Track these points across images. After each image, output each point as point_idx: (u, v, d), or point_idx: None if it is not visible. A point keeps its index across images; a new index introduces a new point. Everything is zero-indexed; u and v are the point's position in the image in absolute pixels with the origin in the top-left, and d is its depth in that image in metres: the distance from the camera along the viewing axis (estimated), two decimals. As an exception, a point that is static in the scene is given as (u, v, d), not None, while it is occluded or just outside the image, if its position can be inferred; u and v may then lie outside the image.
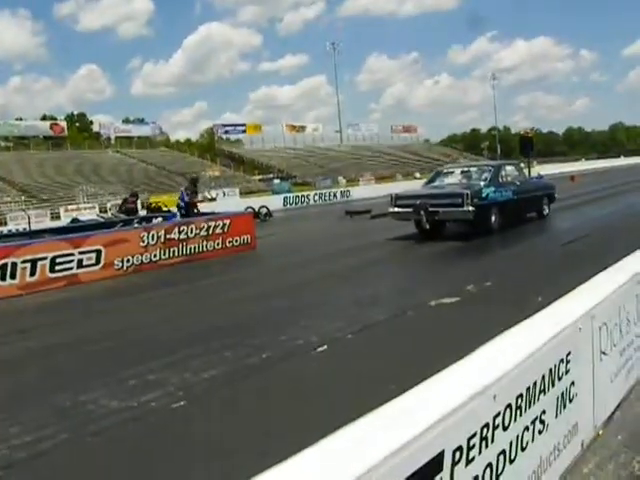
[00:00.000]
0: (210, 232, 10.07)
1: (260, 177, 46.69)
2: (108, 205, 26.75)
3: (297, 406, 3.27)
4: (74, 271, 8.25)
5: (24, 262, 7.77)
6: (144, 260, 9.08)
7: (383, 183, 37.03)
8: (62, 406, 3.57)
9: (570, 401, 2.32)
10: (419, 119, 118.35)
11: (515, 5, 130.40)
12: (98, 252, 8.52)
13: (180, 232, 9.63)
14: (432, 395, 1.71)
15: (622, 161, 57.34)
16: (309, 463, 1.35)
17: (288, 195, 29.52)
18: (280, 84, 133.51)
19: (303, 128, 63.31)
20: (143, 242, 9.12)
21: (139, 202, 14.57)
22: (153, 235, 9.26)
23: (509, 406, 1.86)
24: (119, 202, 16.56)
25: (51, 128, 49.22)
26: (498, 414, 1.80)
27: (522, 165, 15.21)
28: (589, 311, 2.56)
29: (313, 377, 3.82)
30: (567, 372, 2.28)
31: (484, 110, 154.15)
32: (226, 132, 59.22)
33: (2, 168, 38.57)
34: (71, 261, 8.24)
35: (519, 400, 1.92)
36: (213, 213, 11.48)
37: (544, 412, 2.10)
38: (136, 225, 10.51)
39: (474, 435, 1.67)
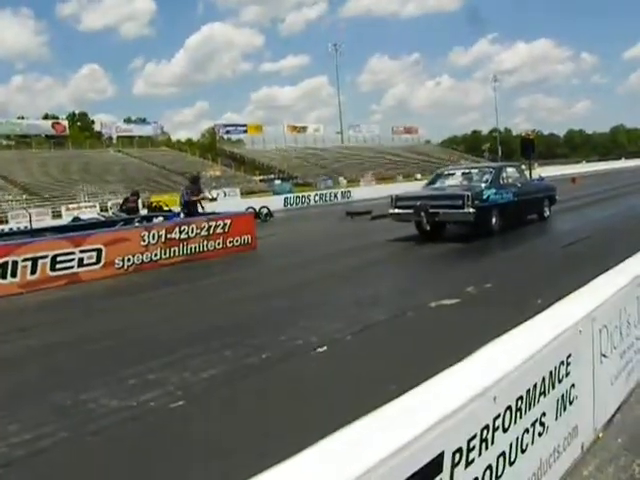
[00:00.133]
0: (211, 232, 10.07)
1: (261, 177, 46.69)
2: (109, 204, 26.81)
3: (296, 406, 3.27)
4: (75, 270, 8.26)
5: (25, 260, 7.78)
6: (145, 259, 9.08)
7: (384, 184, 37.05)
8: (62, 405, 3.57)
9: (570, 403, 2.32)
10: (420, 120, 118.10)
11: (516, 7, 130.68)
12: (99, 251, 8.53)
13: (181, 232, 9.63)
14: (432, 396, 1.70)
15: (623, 163, 57.36)
16: (308, 463, 1.35)
17: (289, 195, 29.54)
18: (281, 84, 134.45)
19: (304, 129, 63.28)
20: (144, 241, 9.12)
21: (140, 201, 14.57)
22: (154, 234, 9.27)
23: (509, 408, 1.86)
24: (120, 201, 16.56)
25: (53, 127, 49.23)
26: (498, 416, 1.80)
27: (523, 167, 15.20)
28: (589, 313, 2.56)
29: (313, 377, 3.82)
30: (567, 374, 2.28)
31: (485, 112, 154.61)
32: (227, 132, 59.20)
33: (4, 167, 38.59)
34: (72, 260, 8.24)
35: (519, 402, 1.92)
36: (214, 213, 11.48)
37: (544, 414, 2.09)
38: (137, 224, 10.52)
39: (474, 437, 1.67)
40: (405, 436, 1.42)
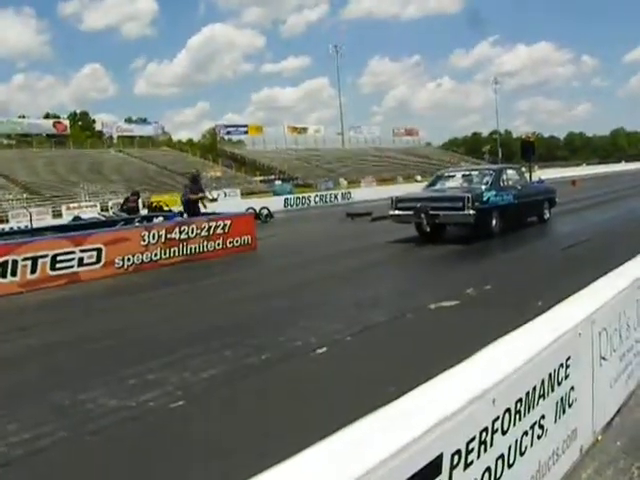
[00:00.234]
0: (211, 232, 10.07)
1: (261, 178, 46.73)
2: (109, 204, 26.83)
3: (296, 407, 3.27)
4: (75, 269, 8.26)
5: (25, 260, 7.78)
6: (144, 259, 9.08)
7: (384, 185, 37.04)
8: (61, 404, 3.57)
9: (569, 406, 2.32)
10: (421, 122, 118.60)
11: (517, 10, 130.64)
12: (99, 251, 8.53)
13: (181, 232, 9.63)
14: (431, 398, 1.70)
15: (623, 166, 57.38)
16: (307, 464, 1.35)
17: (289, 196, 29.55)
18: (282, 86, 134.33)
19: (305, 130, 63.33)
20: (144, 241, 9.12)
21: (140, 201, 14.59)
22: (154, 234, 9.27)
23: (508, 410, 1.86)
24: (120, 201, 16.59)
25: (54, 126, 49.29)
26: (497, 418, 1.80)
27: (523, 169, 15.21)
28: (589, 316, 2.56)
29: (312, 378, 3.82)
30: (567, 377, 2.28)
31: (486, 114, 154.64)
32: (228, 133, 59.27)
33: (4, 165, 38.62)
34: (72, 259, 8.24)
35: (518, 404, 1.92)
36: (214, 213, 11.48)
37: (543, 417, 2.09)
38: (137, 224, 10.53)
39: (473, 439, 1.67)
40: (404, 438, 1.43)
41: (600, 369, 2.65)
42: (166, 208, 13.53)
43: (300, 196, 29.92)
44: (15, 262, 7.69)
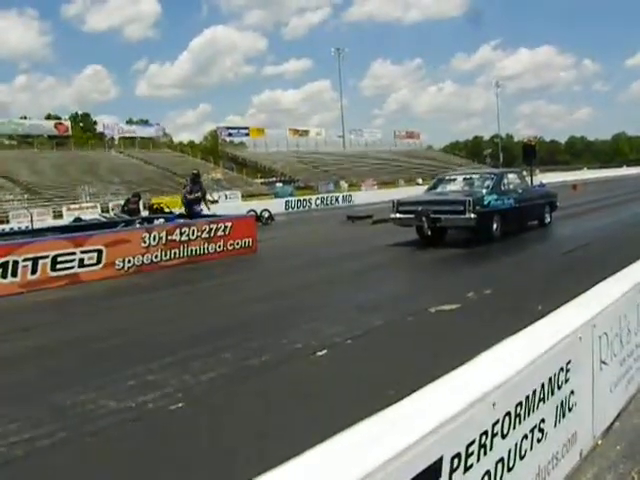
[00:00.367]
0: (212, 234, 10.08)
1: (262, 180, 46.77)
2: (110, 205, 26.84)
3: (296, 410, 3.27)
4: (75, 270, 8.26)
5: (25, 260, 7.79)
6: (145, 261, 9.09)
7: (385, 188, 37.08)
8: (61, 405, 3.57)
9: (569, 410, 2.32)
10: (422, 125, 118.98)
11: (519, 14, 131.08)
12: (99, 252, 8.53)
13: (182, 234, 9.63)
14: (431, 401, 1.71)
15: (625, 171, 57.35)
16: (307, 467, 1.35)
17: (290, 199, 29.53)
18: (284, 88, 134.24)
19: (306, 132, 63.42)
20: (144, 243, 9.13)
21: (141, 203, 14.60)
22: (154, 236, 9.27)
23: (508, 414, 1.86)
24: (121, 202, 16.61)
25: (55, 127, 49.39)
26: (497, 422, 1.80)
27: (524, 173, 15.22)
28: (590, 320, 2.56)
29: (312, 381, 3.82)
30: (567, 381, 2.28)
31: (487, 117, 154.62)
32: (229, 135, 59.34)
33: (6, 166, 38.67)
34: (72, 260, 8.25)
35: (518, 408, 1.92)
36: (215, 215, 11.49)
37: (543, 421, 2.09)
38: (138, 226, 10.53)
39: (473, 442, 1.67)
40: (404, 441, 1.43)
41: (600, 373, 2.65)
42: (167, 210, 13.55)
43: (301, 199, 29.91)
44: (16, 263, 7.70)
